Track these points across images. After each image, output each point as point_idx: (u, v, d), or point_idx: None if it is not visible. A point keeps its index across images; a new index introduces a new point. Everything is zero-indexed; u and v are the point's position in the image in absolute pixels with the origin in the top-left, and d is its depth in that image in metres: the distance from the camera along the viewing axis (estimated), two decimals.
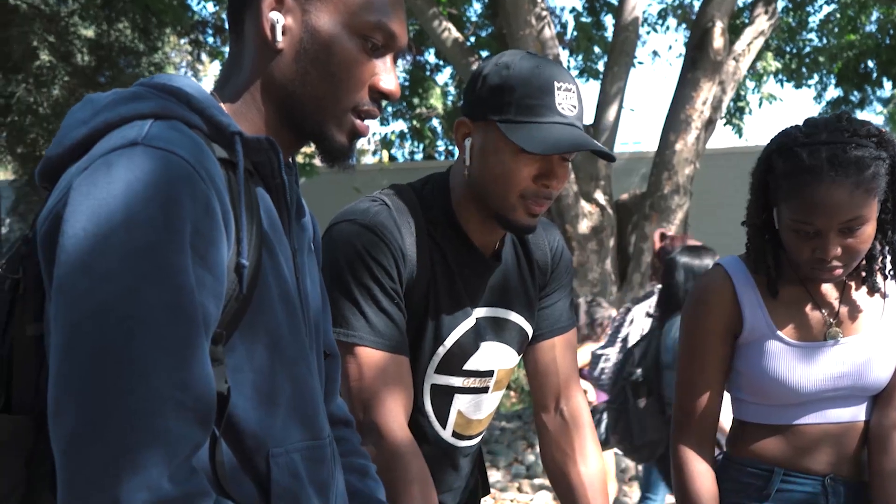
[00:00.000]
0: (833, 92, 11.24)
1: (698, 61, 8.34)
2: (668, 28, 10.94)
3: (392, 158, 14.48)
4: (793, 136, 1.83)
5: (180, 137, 1.04)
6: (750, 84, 10.84)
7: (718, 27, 8.28)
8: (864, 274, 1.93)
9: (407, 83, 11.36)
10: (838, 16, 10.42)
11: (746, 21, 9.10)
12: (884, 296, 1.93)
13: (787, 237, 1.84)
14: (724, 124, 11.21)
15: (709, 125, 8.51)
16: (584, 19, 11.00)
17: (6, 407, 1.07)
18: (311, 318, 1.24)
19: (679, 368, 1.97)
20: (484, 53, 10.42)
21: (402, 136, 13.65)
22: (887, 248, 1.90)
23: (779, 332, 1.89)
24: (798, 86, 11.18)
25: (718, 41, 8.27)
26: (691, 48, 8.53)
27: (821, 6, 10.87)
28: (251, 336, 1.10)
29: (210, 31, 10.81)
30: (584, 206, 8.21)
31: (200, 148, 1.05)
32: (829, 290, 1.93)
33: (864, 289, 1.94)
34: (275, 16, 1.16)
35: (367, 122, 1.23)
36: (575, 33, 10.83)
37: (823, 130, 1.80)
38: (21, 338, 1.08)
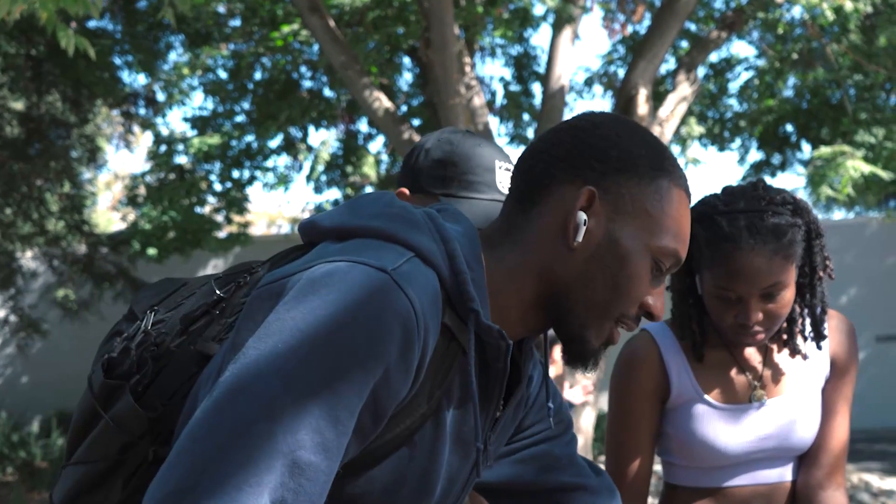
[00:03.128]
0: (755, 155, 11.58)
1: None
2: (594, 95, 11.20)
3: None
4: (712, 204, 1.89)
5: (424, 289, 1.04)
6: (676, 149, 11.11)
7: (642, 94, 8.49)
8: (785, 337, 1.97)
9: (340, 152, 11.43)
10: (757, 82, 10.78)
11: (670, 88, 9.34)
12: (805, 357, 1.98)
13: (709, 303, 1.89)
14: None
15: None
16: (512, 88, 11.21)
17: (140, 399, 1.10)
18: None
19: (608, 433, 2.00)
20: (416, 122, 10.54)
21: (336, 204, 13.69)
22: (806, 310, 1.96)
23: (705, 396, 1.93)
24: (721, 149, 11.47)
25: (643, 108, 8.48)
26: None
27: (739, 73, 11.22)
28: (364, 487, 1.09)
29: (142, 103, 10.77)
30: None
31: (436, 307, 1.05)
32: (753, 354, 1.98)
33: (785, 351, 1.99)
34: (582, 216, 1.14)
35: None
36: (504, 101, 11.04)
37: (741, 199, 1.86)
38: (187, 347, 1.11)
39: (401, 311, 1.00)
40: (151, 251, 9.68)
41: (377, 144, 15.24)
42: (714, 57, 11.02)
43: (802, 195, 9.85)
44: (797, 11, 9.36)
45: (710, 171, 54.08)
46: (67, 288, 10.38)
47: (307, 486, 0.94)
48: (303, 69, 10.54)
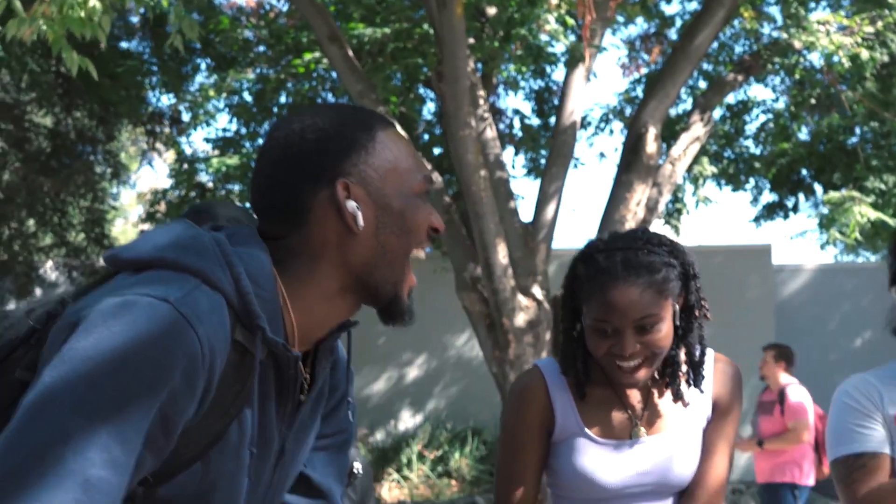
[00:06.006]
0: (769, 196, 11.59)
1: (632, 164, 8.63)
2: (612, 131, 11.27)
3: None
4: (594, 244, 2.01)
5: (209, 314, 1.13)
6: (689, 187, 11.16)
7: (651, 133, 8.58)
8: (666, 380, 2.06)
9: None
10: (772, 125, 10.82)
11: (685, 127, 9.43)
12: (685, 403, 2.06)
13: (589, 336, 1.98)
14: (663, 224, 11.49)
15: (643, 225, 8.78)
16: (528, 121, 11.33)
17: None
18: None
19: (497, 463, 2.09)
20: (437, 151, 10.70)
21: None
22: (684, 352, 2.05)
23: (587, 431, 2.02)
24: (736, 189, 11.51)
25: (651, 146, 8.57)
26: (626, 152, 8.83)
27: (756, 115, 11.26)
28: (176, 491, 1.18)
29: (167, 122, 11.02)
30: (522, 300, 8.37)
31: (222, 328, 1.15)
32: (635, 393, 2.06)
33: (667, 393, 2.07)
34: (352, 204, 1.24)
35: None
36: (520, 134, 11.17)
37: (620, 239, 1.99)
38: (9, 376, 1.19)
39: (183, 338, 1.09)
40: None
41: None
42: (731, 98, 11.09)
43: (815, 237, 9.85)
44: (815, 58, 9.42)
45: (724, 209, 53.55)
46: None
47: (100, 498, 1.03)
48: (326, 94, 10.75)
